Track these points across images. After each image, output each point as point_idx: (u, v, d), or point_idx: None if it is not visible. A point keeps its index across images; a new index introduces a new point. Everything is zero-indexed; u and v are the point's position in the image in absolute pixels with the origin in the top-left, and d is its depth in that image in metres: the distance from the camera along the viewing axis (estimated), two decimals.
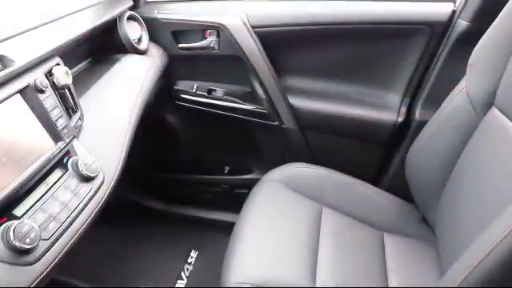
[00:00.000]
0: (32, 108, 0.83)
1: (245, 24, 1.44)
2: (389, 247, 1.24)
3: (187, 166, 1.81)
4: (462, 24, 1.28)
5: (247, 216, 1.27)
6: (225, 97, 1.60)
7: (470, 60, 1.13)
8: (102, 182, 0.90)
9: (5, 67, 0.81)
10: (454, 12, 1.31)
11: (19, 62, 0.84)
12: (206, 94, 1.61)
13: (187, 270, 1.63)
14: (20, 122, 0.81)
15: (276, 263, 1.13)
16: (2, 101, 0.78)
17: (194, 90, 1.61)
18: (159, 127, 1.69)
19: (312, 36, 1.45)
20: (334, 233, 1.26)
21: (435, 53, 1.36)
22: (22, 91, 0.82)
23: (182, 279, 1.60)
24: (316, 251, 1.19)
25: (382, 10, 1.37)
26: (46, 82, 0.87)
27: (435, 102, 1.25)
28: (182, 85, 1.63)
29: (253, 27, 1.44)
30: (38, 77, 0.86)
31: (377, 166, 1.55)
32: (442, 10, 1.32)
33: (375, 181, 1.51)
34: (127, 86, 1.23)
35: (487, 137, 1.04)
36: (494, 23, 1.06)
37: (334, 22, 1.40)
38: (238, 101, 1.58)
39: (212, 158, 1.80)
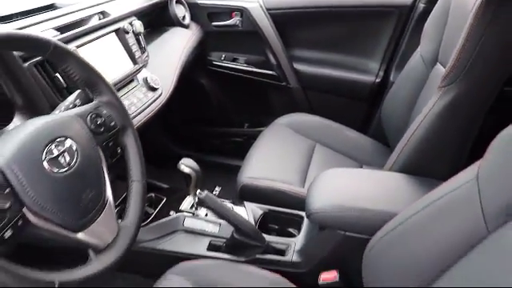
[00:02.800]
0: (121, 42, 1.35)
1: (261, 7, 1.94)
2: None
3: (214, 121, 2.29)
4: (421, 6, 1.73)
5: (258, 146, 1.71)
6: (245, 64, 2.09)
7: (423, 31, 1.58)
8: (161, 94, 1.39)
9: (104, 17, 1.32)
10: None
11: (114, 15, 1.35)
12: (231, 61, 2.10)
13: None
14: (114, 49, 1.33)
15: (276, 170, 1.55)
16: (104, 35, 1.29)
17: (222, 59, 2.12)
18: (194, 88, 2.18)
19: (311, 16, 1.93)
20: (322, 160, 1.66)
21: (403, 28, 1.81)
22: (116, 31, 1.34)
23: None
24: (307, 169, 1.61)
25: None
26: (129, 27, 1.38)
27: (408, 67, 1.66)
28: (213, 54, 2.14)
29: (267, 9, 1.94)
30: (124, 24, 1.37)
31: (362, 118, 1.99)
32: None
33: (361, 129, 1.92)
34: (175, 45, 1.73)
35: (433, 86, 1.38)
36: (437, 4, 1.51)
37: (328, 6, 1.88)
38: (255, 67, 2.07)
39: (234, 113, 2.28)
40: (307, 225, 1.33)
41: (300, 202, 1.36)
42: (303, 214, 1.36)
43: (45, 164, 0.75)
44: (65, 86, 1.10)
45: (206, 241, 1.30)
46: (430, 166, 1.22)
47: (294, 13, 1.95)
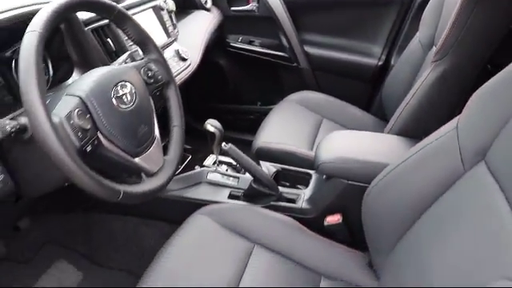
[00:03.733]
0: (157, 17, 1.55)
1: None
2: None
3: (230, 98, 2.50)
4: None
5: (271, 117, 1.92)
6: (260, 46, 2.29)
7: (422, 18, 1.77)
8: (189, 64, 1.60)
9: None
10: None
11: None
12: (247, 43, 2.31)
13: None
14: (151, 23, 1.53)
15: (287, 136, 1.75)
16: (144, 10, 1.49)
17: (239, 41, 2.33)
18: (212, 68, 2.38)
19: (321, 4, 2.14)
20: (328, 132, 1.79)
21: (404, 16, 2.01)
22: (153, 7, 1.54)
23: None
24: (314, 137, 1.80)
25: None
26: (164, 5, 1.58)
27: (407, 51, 1.85)
28: (230, 37, 2.35)
29: None
30: (160, 2, 1.57)
31: (365, 97, 2.19)
32: None
33: (364, 107, 2.11)
34: (199, 25, 1.94)
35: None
36: None
37: None
38: (269, 49, 2.28)
39: (248, 92, 2.49)
40: (314, 179, 1.53)
41: (308, 163, 1.57)
42: (311, 172, 1.56)
43: (113, 100, 0.96)
44: (114, 49, 1.31)
45: (226, 191, 1.51)
46: (423, 130, 1.41)
47: (306, 0, 2.14)
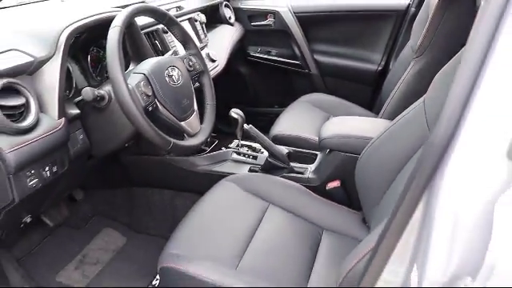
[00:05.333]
0: (192, 27, 1.92)
1: (290, 11, 2.51)
2: None
3: (249, 102, 2.85)
4: (412, 10, 2.27)
5: (286, 113, 2.26)
6: (276, 55, 2.66)
7: (412, 28, 2.11)
8: (218, 65, 1.96)
9: (180, 10, 1.90)
10: (409, 4, 2.31)
11: (186, 8, 1.93)
12: (265, 53, 2.68)
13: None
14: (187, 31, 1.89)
15: (298, 126, 2.08)
16: (182, 21, 1.86)
17: (258, 51, 2.70)
18: (235, 75, 2.75)
19: (328, 18, 2.50)
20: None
21: (400, 27, 2.35)
22: (189, 19, 1.91)
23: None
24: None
25: (370, 3, 2.39)
26: (197, 17, 1.96)
27: (402, 56, 2.18)
28: (251, 48, 2.74)
29: (294, 13, 2.52)
30: (194, 15, 1.95)
31: (367, 98, 2.51)
32: (402, 3, 2.32)
33: (367, 107, 2.43)
34: (224, 37, 2.32)
35: None
36: (422, 7, 2.04)
37: (342, 10, 2.44)
38: (284, 58, 2.64)
39: (266, 96, 2.84)
40: (319, 157, 1.85)
41: (315, 146, 1.89)
42: (317, 152, 1.89)
43: (166, 78, 1.32)
44: (160, 49, 1.68)
45: (246, 167, 1.84)
46: None
47: (315, 15, 2.52)
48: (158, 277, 1.78)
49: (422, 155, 0.72)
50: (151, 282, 1.76)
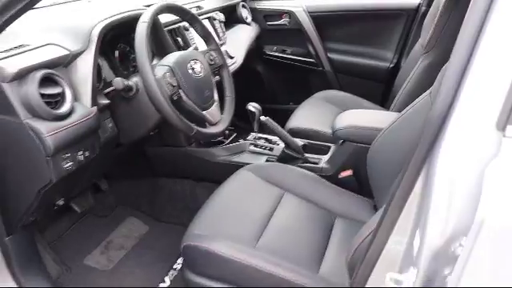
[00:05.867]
0: (211, 25, 2.02)
1: (304, 11, 2.61)
2: None
3: (266, 99, 2.93)
4: (423, 9, 2.35)
5: (301, 108, 2.35)
6: (291, 54, 2.76)
7: (423, 26, 2.19)
8: (236, 61, 2.07)
9: (200, 9, 2.01)
10: (419, 3, 2.39)
11: (206, 8, 2.04)
12: (280, 52, 2.78)
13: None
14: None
15: (313, 120, 2.17)
16: (203, 19, 1.96)
17: (274, 50, 2.80)
18: (251, 74, 2.85)
19: (342, 18, 2.59)
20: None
21: (411, 26, 2.43)
22: (208, 17, 2.02)
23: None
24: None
25: (382, 2, 2.48)
26: (217, 16, 2.06)
27: (412, 53, 2.26)
28: (267, 47, 2.84)
29: (309, 12, 2.61)
30: (213, 14, 2.06)
31: (380, 94, 2.59)
32: (413, 2, 2.40)
33: (380, 104, 2.51)
34: (242, 36, 2.42)
35: None
36: (432, 6, 2.12)
37: (355, 9, 2.53)
38: (299, 56, 2.74)
39: (281, 93, 2.94)
40: (332, 148, 1.94)
41: (328, 139, 1.98)
42: (330, 144, 1.97)
43: (189, 70, 1.42)
44: (182, 45, 1.79)
45: (263, 158, 1.94)
46: None
47: (329, 15, 2.62)
48: (178, 261, 1.88)
49: (423, 130, 0.81)
50: (172, 266, 1.86)
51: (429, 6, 2.23)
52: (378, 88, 2.59)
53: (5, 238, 1.38)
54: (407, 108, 1.39)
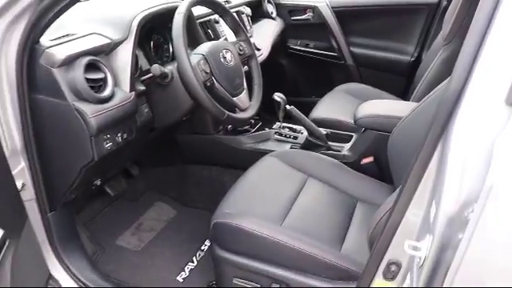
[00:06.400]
0: (239, 19, 2.12)
1: (327, 5, 2.70)
2: None
3: (291, 92, 2.99)
4: (444, 3, 2.41)
5: (324, 100, 2.44)
6: (314, 48, 2.85)
7: (444, 19, 2.25)
8: (262, 53, 2.16)
9: (228, 3, 2.11)
10: None
11: (234, 2, 2.13)
12: (304, 46, 2.87)
13: None
14: None
15: (335, 111, 2.26)
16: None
17: (298, 44, 2.88)
18: (277, 67, 2.94)
19: (364, 12, 2.67)
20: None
21: (432, 20, 2.49)
22: (236, 11, 2.11)
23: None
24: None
25: None
26: (244, 10, 2.16)
27: (433, 46, 2.32)
28: (291, 41, 2.93)
29: (332, 7, 2.70)
30: (241, 9, 2.15)
31: (401, 87, 2.66)
32: None
33: (401, 97, 2.58)
34: (267, 30, 2.51)
35: None
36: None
37: (377, 4, 2.60)
38: (322, 50, 2.82)
39: (305, 86, 3.03)
40: (354, 137, 2.02)
41: (350, 128, 2.06)
42: (352, 134, 2.05)
43: (221, 59, 1.52)
44: (212, 37, 1.89)
45: (288, 145, 2.03)
46: None
47: (352, 10, 2.70)
48: (206, 243, 1.98)
49: (438, 109, 0.89)
50: (199, 247, 1.96)
51: (449, 1, 2.28)
52: (399, 81, 2.65)
53: (48, 214, 1.47)
54: (426, 96, 1.46)
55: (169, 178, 2.29)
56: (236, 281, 1.41)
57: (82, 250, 1.67)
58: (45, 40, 1.30)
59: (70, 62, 1.29)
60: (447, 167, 0.86)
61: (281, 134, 2.08)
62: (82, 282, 1.52)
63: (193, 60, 1.42)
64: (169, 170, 2.29)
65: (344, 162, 1.81)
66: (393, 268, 1.02)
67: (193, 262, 1.89)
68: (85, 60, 1.30)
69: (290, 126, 2.12)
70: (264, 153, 1.84)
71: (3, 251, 1.07)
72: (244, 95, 1.61)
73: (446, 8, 2.27)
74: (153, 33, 1.70)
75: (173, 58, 1.75)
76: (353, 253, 1.35)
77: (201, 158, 2.18)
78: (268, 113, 2.47)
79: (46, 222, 1.46)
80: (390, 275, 1.05)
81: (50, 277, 1.48)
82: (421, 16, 2.52)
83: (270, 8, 2.73)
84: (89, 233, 1.94)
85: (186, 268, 1.85)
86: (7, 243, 1.10)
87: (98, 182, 1.66)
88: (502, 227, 0.77)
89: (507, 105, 0.78)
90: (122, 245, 1.98)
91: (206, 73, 1.44)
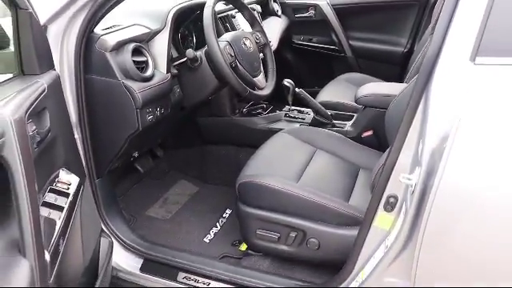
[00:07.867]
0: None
1: (328, 3, 2.98)
2: None
3: (295, 84, 3.28)
4: None
5: (326, 87, 2.71)
6: (317, 42, 3.13)
7: (433, 12, 2.53)
8: (272, 45, 2.43)
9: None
10: None
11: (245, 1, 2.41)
12: (307, 41, 3.16)
13: None
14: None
15: (337, 95, 2.54)
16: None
17: (301, 39, 3.17)
18: (282, 61, 3.18)
19: (361, 8, 2.95)
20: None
21: (423, 14, 2.78)
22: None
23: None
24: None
25: None
26: (255, 7, 2.44)
27: (423, 37, 2.61)
28: (295, 37, 3.21)
29: (332, 5, 2.98)
30: (252, 6, 2.43)
31: (396, 76, 2.92)
32: None
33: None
34: (274, 26, 2.79)
35: None
36: None
37: (372, 1, 2.89)
38: (323, 44, 3.11)
39: (308, 77, 3.30)
40: (356, 116, 2.29)
41: (352, 109, 2.33)
42: (354, 114, 2.32)
43: (242, 45, 1.79)
44: (230, 29, 2.17)
45: (297, 124, 2.29)
46: None
47: (351, 7, 2.99)
48: (227, 211, 2.24)
49: (420, 70, 1.16)
50: (221, 215, 2.22)
51: None
52: (394, 70, 2.92)
53: (96, 180, 1.72)
54: (415, 76, 1.73)
55: (190, 159, 2.55)
56: (259, 231, 1.65)
57: (122, 216, 1.91)
58: (98, 29, 1.56)
59: (119, 46, 1.56)
60: (429, 112, 1.13)
61: (290, 116, 2.34)
62: (123, 242, 1.76)
63: (220, 45, 1.69)
64: (190, 151, 2.55)
65: (347, 137, 2.07)
66: (391, 200, 1.27)
67: (216, 227, 2.14)
68: (132, 45, 1.57)
69: (299, 108, 2.38)
70: (276, 131, 2.09)
71: (80, 194, 1.32)
72: (261, 76, 1.89)
73: (435, 2, 2.55)
74: (180, 26, 1.97)
75: (197, 47, 2.02)
76: (358, 205, 1.60)
77: (219, 138, 2.44)
78: (278, 100, 2.75)
79: (93, 187, 1.70)
80: (389, 208, 1.30)
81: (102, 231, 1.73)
82: (412, 11, 2.80)
83: (276, 7, 3.01)
84: (123, 204, 2.18)
85: (211, 231, 2.10)
86: (82, 188, 1.35)
87: (136, 154, 1.92)
88: (469, 152, 1.04)
89: (470, 60, 1.05)
90: (151, 215, 2.23)
91: (231, 56, 1.71)
